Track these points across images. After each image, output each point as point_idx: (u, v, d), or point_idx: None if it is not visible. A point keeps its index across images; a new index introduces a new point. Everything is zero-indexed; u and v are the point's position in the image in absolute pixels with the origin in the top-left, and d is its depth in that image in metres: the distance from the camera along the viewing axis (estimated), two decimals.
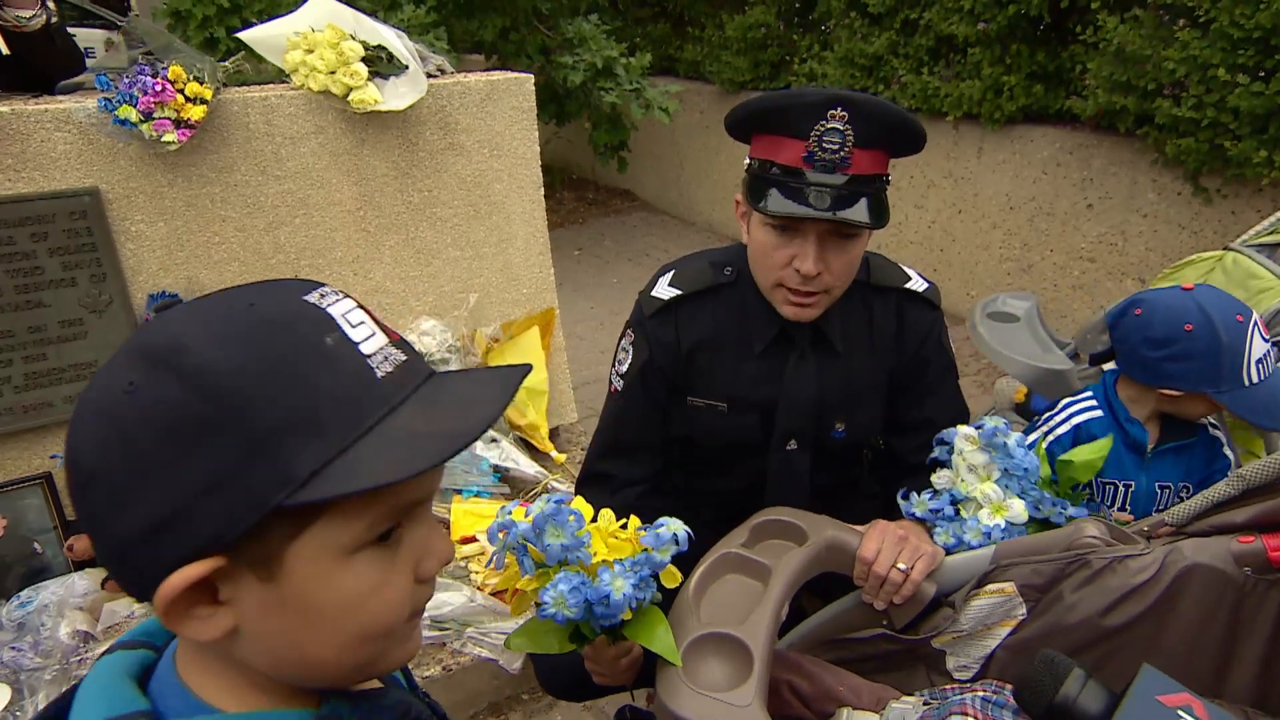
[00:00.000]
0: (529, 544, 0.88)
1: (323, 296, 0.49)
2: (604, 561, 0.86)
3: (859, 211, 1.12)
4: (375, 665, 0.53)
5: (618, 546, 0.89)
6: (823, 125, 1.10)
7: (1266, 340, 1.22)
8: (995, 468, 1.17)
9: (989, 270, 3.81)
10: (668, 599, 1.11)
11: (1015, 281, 3.70)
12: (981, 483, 1.17)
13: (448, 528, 1.99)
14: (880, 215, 1.15)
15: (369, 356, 0.48)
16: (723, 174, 5.39)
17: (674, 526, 0.90)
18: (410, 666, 1.74)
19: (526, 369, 0.55)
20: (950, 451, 1.23)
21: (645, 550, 0.89)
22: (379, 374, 0.48)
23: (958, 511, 1.20)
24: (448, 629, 1.73)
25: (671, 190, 6.00)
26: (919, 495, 1.23)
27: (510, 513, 0.91)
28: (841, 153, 1.11)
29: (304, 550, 0.47)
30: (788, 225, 1.16)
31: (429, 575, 0.54)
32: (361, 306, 0.51)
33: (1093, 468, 1.18)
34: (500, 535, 0.90)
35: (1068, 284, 3.47)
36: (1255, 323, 1.21)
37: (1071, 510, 1.17)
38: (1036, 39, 3.38)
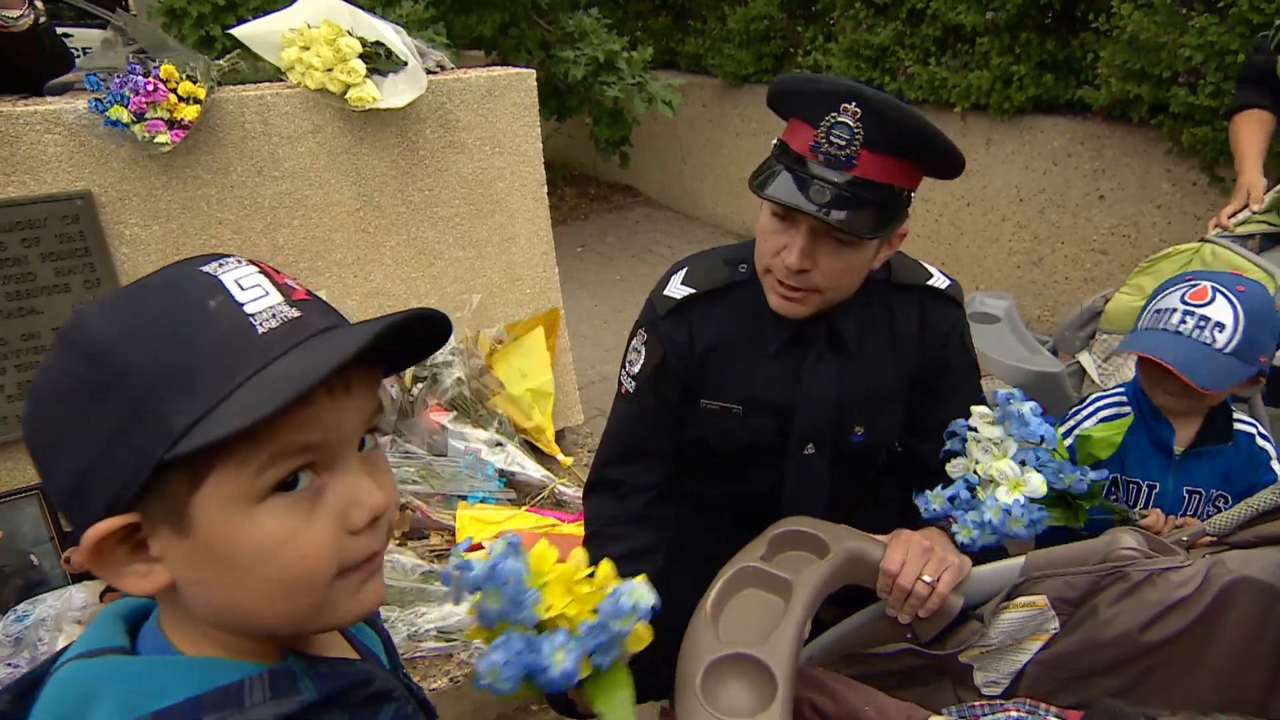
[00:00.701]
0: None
1: (220, 266, 0.51)
2: (560, 617, 0.78)
3: (847, 216, 1.05)
4: (316, 618, 0.54)
5: (583, 598, 0.80)
6: (833, 117, 1.04)
7: (1186, 304, 1.24)
8: (1011, 442, 1.11)
9: (998, 264, 3.76)
10: (681, 613, 1.05)
11: (1026, 275, 3.64)
12: (997, 461, 1.11)
13: (453, 534, 1.94)
14: (875, 226, 1.07)
15: (252, 315, 0.49)
16: (726, 168, 5.33)
17: (637, 594, 0.77)
18: (417, 677, 1.70)
19: (419, 310, 0.54)
20: (963, 441, 1.18)
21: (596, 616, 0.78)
22: (259, 330, 0.49)
23: (974, 496, 1.15)
24: (454, 640, 1.69)
25: (675, 185, 5.94)
26: (933, 490, 1.18)
27: (465, 550, 0.82)
28: (848, 150, 1.05)
29: (205, 502, 0.49)
30: (784, 214, 1.11)
31: (358, 526, 0.53)
32: (266, 273, 0.52)
33: (1110, 444, 1.14)
34: (455, 575, 0.81)
35: (1079, 276, 3.41)
36: (1187, 288, 1.24)
37: (1093, 475, 1.12)
38: (1046, 27, 3.32)
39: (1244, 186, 1.88)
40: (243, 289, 0.50)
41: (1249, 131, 1.95)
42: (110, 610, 0.56)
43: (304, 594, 0.52)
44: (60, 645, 1.63)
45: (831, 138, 1.05)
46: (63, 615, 1.71)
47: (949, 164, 1.10)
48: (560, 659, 0.73)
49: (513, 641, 0.74)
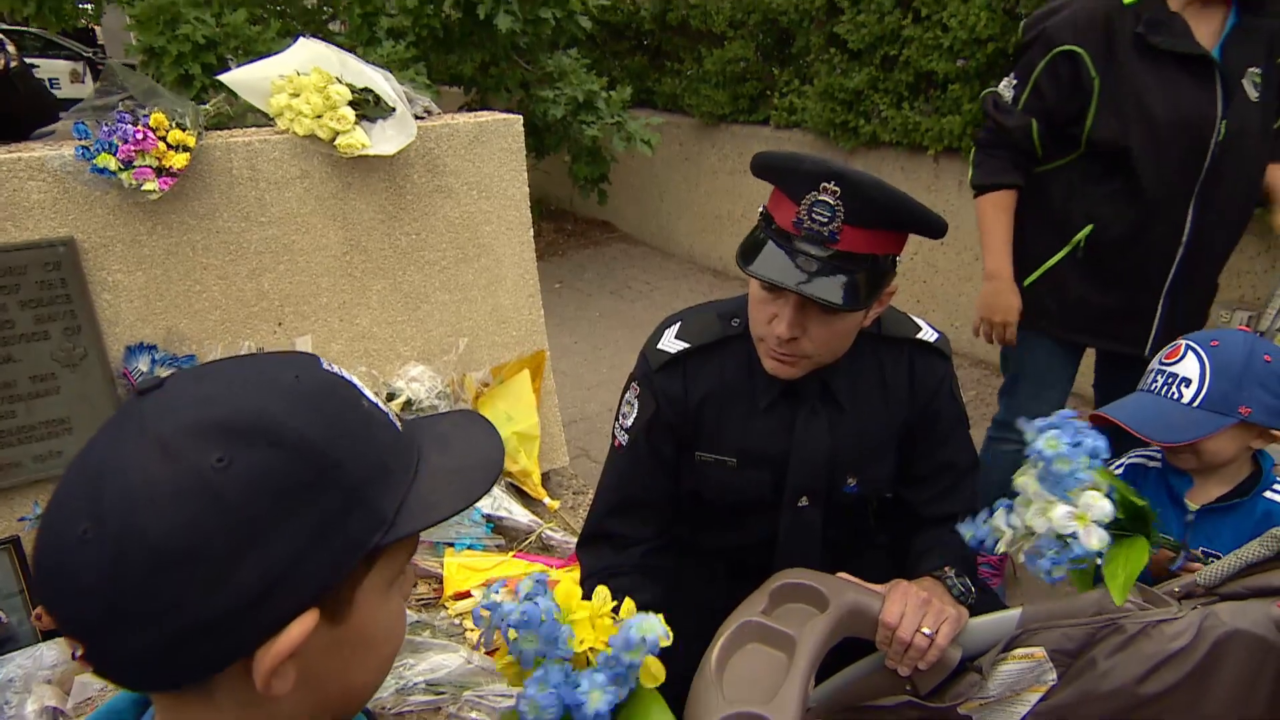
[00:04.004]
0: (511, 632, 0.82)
1: (331, 366, 0.56)
2: (590, 650, 0.81)
3: (831, 289, 1.07)
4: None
5: (607, 629, 0.83)
6: (813, 196, 1.07)
7: (1160, 365, 1.28)
8: (1054, 490, 1.02)
9: (972, 301, 3.83)
10: (674, 662, 1.04)
11: None
12: (1050, 513, 1.01)
13: (440, 582, 1.92)
14: (857, 297, 1.09)
15: (388, 414, 0.56)
16: (702, 206, 5.41)
17: (647, 627, 0.79)
18: None
19: (476, 415, 0.66)
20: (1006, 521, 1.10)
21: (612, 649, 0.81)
22: (398, 426, 0.57)
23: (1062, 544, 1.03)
24: (444, 693, 1.66)
25: (651, 222, 6.00)
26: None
27: (497, 593, 0.85)
28: (830, 226, 1.07)
29: (369, 587, 0.52)
30: (772, 285, 1.13)
31: (408, 598, 0.61)
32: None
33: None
34: (484, 615, 0.83)
35: None
36: (1168, 349, 1.29)
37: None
38: None
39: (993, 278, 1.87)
40: (364, 390, 0.56)
41: (1002, 220, 1.85)
42: None
43: (392, 661, 0.58)
44: (30, 708, 1.57)
45: (813, 215, 1.07)
46: (32, 675, 1.65)
47: (931, 230, 1.13)
48: (597, 697, 0.77)
49: (551, 673, 0.77)
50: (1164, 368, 1.26)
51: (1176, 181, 1.72)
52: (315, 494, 0.48)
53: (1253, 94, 1.69)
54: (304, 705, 0.52)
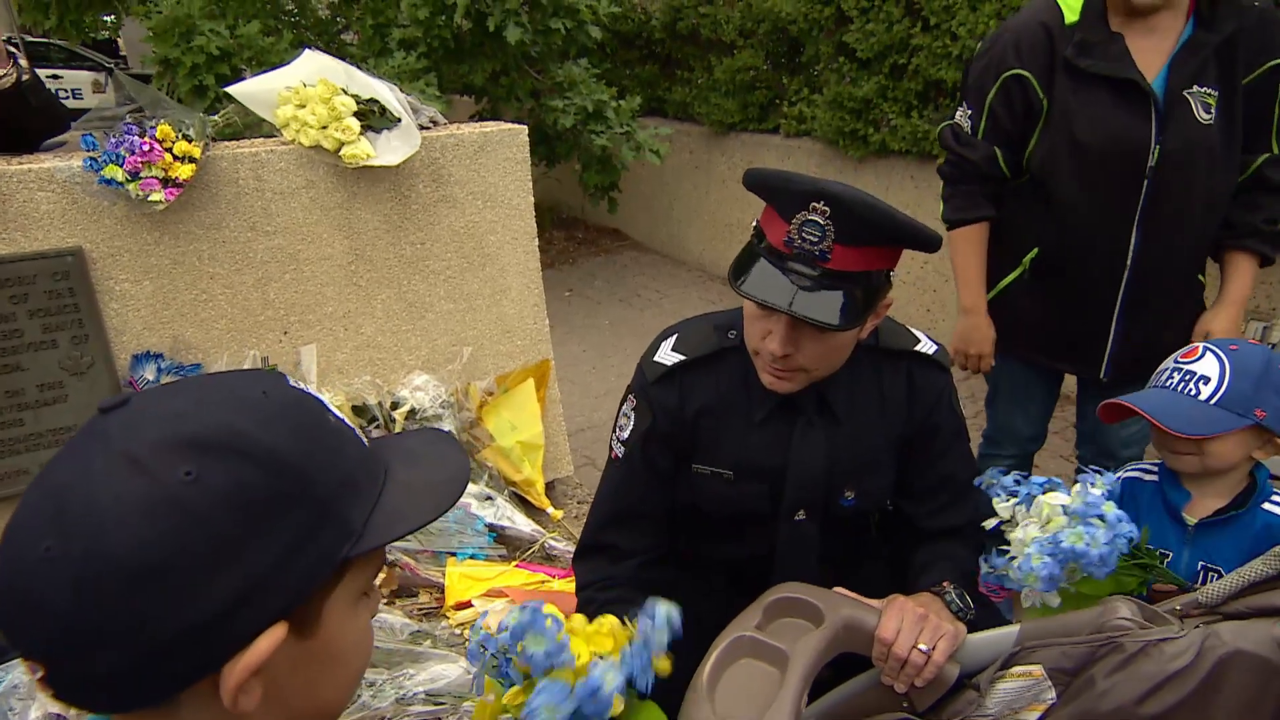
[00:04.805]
0: (512, 656, 0.83)
1: (297, 383, 0.57)
2: (595, 657, 0.82)
3: (824, 308, 1.06)
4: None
5: (600, 642, 0.85)
6: (803, 215, 1.06)
7: (1177, 362, 1.27)
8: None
9: None
10: (672, 675, 1.04)
11: None
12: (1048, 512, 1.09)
13: (442, 592, 1.92)
14: (850, 315, 1.07)
15: (353, 429, 0.57)
16: (713, 214, 5.41)
17: (665, 607, 0.86)
18: None
19: (444, 433, 0.66)
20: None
21: (635, 639, 0.86)
22: (365, 442, 0.58)
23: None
24: (443, 704, 1.65)
25: (661, 230, 6.01)
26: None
27: (480, 628, 0.87)
28: (821, 246, 1.05)
29: (336, 601, 0.53)
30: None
31: (374, 615, 0.62)
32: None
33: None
34: (481, 651, 0.85)
35: None
36: (1184, 349, 1.28)
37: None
38: None
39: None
40: (330, 407, 0.56)
41: (974, 255, 1.82)
42: None
43: (361, 677, 0.58)
44: (33, 715, 1.58)
45: (804, 234, 1.06)
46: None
47: (925, 245, 1.11)
48: (611, 678, 0.81)
49: (557, 683, 0.81)
50: (1181, 365, 1.25)
51: (1112, 206, 1.66)
52: (286, 507, 0.48)
53: (1202, 115, 1.58)
54: None
